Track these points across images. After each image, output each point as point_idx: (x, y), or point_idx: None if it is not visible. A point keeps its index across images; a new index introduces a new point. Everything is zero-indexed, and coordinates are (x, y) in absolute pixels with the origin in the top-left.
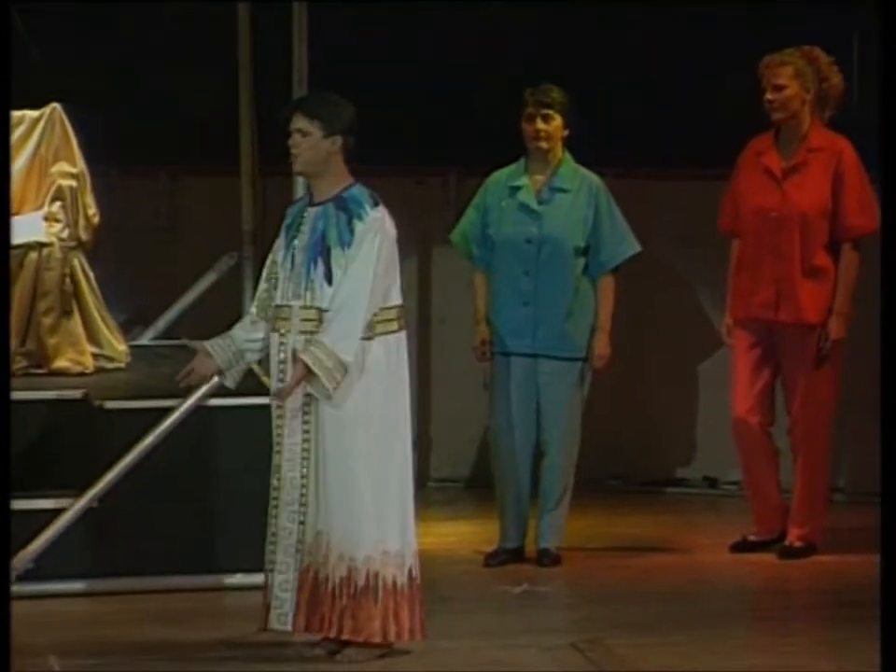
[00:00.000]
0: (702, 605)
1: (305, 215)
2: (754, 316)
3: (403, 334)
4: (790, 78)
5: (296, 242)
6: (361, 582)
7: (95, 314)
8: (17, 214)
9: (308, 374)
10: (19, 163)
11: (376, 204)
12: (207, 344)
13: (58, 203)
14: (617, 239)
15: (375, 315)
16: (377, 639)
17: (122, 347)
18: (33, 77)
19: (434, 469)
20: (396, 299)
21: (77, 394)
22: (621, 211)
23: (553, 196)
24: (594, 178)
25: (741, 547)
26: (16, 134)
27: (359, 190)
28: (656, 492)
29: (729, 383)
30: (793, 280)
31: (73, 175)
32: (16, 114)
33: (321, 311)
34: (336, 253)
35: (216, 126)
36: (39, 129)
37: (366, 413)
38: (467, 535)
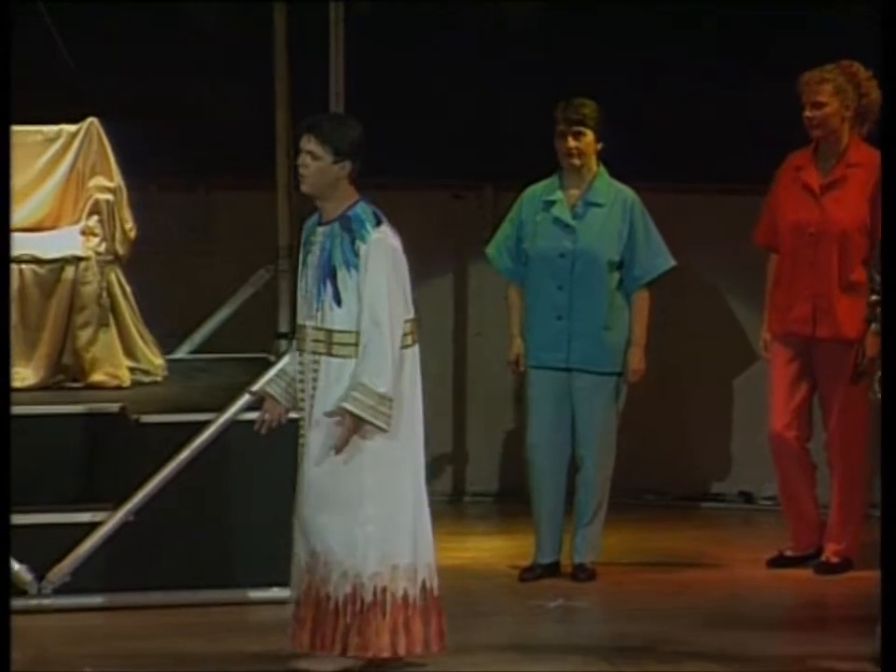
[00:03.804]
0: (738, 620)
1: (316, 233)
2: (791, 331)
3: (416, 348)
4: (830, 96)
5: (308, 261)
6: (368, 598)
7: (132, 327)
8: (54, 228)
9: (357, 420)
10: (56, 178)
11: (378, 223)
12: (269, 389)
13: (95, 218)
14: (652, 253)
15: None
16: (386, 654)
17: (159, 361)
18: (70, 92)
19: (470, 483)
20: (408, 313)
21: (114, 408)
22: (655, 225)
23: (588, 210)
24: (628, 192)
25: (778, 562)
26: (53, 149)
27: (363, 209)
28: (692, 507)
29: (765, 397)
30: (831, 296)
31: (110, 190)
32: (53, 128)
33: (330, 332)
34: (342, 275)
35: (252, 139)
36: (77, 143)
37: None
38: (502, 549)
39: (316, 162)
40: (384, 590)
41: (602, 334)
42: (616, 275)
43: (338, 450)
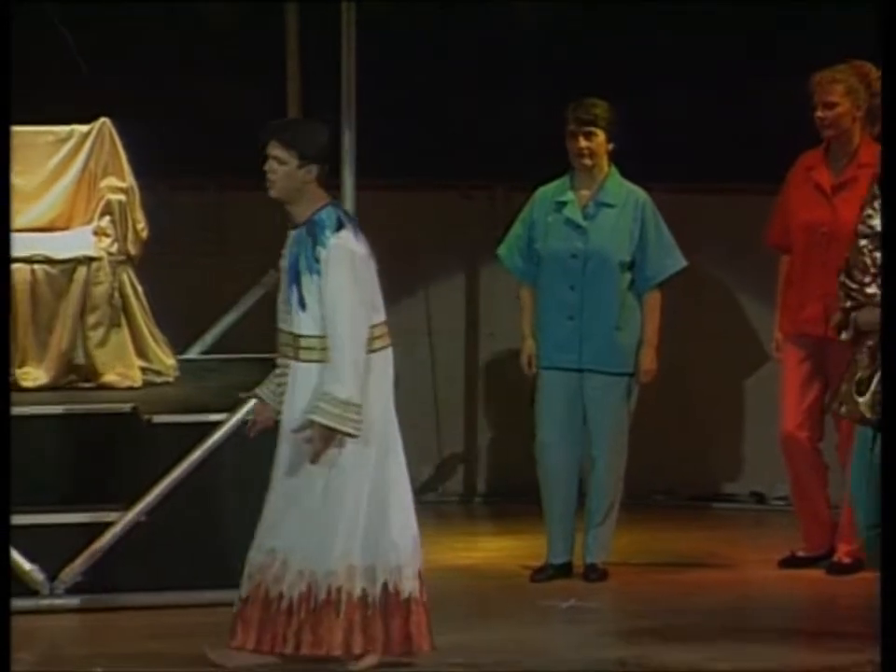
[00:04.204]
0: (750, 620)
1: (289, 237)
2: (803, 332)
3: (385, 352)
4: (841, 96)
5: (281, 265)
6: (322, 597)
7: (144, 328)
8: (66, 228)
9: (325, 430)
10: (68, 178)
11: (339, 228)
12: (259, 392)
13: (107, 218)
14: (663, 254)
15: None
16: (338, 652)
17: (170, 361)
18: (81, 92)
19: (481, 484)
20: (376, 317)
21: (126, 408)
22: (667, 226)
23: (599, 211)
24: (640, 193)
25: (789, 563)
26: (65, 149)
27: (328, 213)
28: (703, 507)
29: (777, 398)
30: None
31: (122, 190)
32: (65, 128)
33: (297, 336)
34: (306, 280)
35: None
36: (88, 144)
37: None
38: (513, 549)
39: (282, 167)
40: (338, 589)
41: (614, 334)
42: (628, 276)
43: (312, 461)
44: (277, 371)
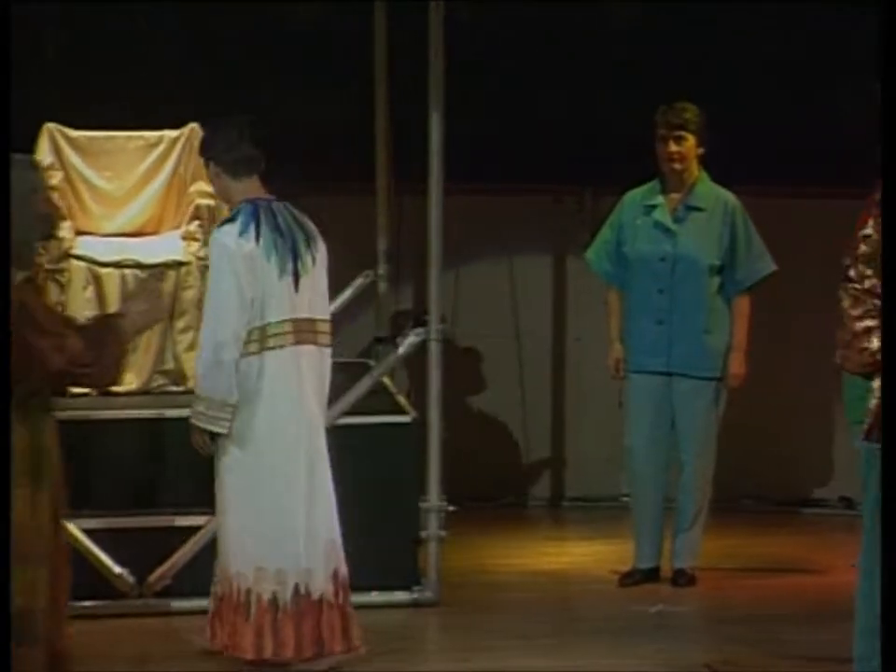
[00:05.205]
0: (838, 627)
1: None
2: None
3: (278, 352)
4: None
5: None
6: (235, 599)
7: None
8: (156, 233)
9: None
10: (157, 183)
11: (226, 223)
12: None
13: (196, 223)
14: (753, 258)
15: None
16: (249, 656)
17: None
18: (168, 97)
19: (569, 488)
20: (263, 318)
21: None
22: (756, 230)
23: (689, 215)
24: (730, 197)
25: None
26: (154, 154)
27: (236, 209)
28: (792, 512)
29: None
30: None
31: (211, 195)
32: (154, 134)
33: None
34: None
35: (351, 144)
36: (178, 149)
37: (235, 431)
38: (602, 554)
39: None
40: (247, 591)
41: (702, 338)
42: (716, 279)
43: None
44: None
